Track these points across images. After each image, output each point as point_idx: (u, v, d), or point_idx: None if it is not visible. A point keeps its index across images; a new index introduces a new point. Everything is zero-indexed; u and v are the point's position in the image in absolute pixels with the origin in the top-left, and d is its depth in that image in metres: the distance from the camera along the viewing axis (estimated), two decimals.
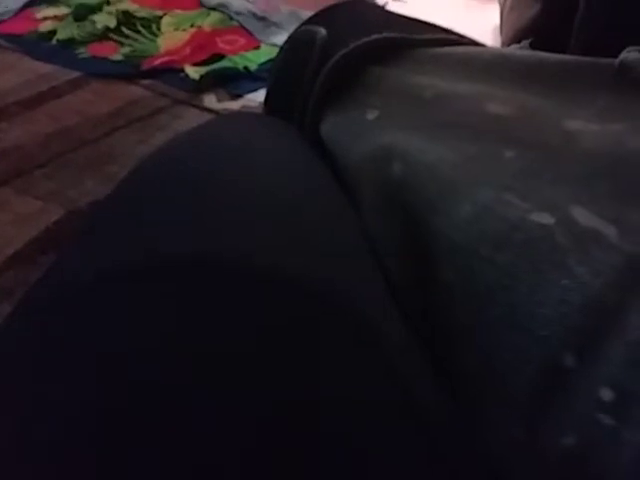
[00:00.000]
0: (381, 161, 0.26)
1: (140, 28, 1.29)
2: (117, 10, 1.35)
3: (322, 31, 0.36)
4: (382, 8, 0.42)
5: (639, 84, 0.24)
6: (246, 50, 1.20)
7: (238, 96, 1.08)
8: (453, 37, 0.36)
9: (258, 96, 1.08)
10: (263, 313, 0.18)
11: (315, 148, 0.31)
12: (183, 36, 1.26)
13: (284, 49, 0.40)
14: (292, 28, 1.35)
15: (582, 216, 0.20)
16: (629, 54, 0.26)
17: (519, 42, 0.88)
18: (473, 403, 0.22)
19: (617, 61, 0.26)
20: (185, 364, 0.16)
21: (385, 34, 0.33)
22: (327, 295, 0.19)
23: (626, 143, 0.22)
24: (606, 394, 0.19)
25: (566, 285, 0.20)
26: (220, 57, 1.17)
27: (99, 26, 1.31)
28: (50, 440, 0.15)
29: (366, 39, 0.33)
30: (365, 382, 0.18)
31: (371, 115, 0.29)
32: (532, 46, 0.39)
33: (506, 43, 0.92)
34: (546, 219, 0.21)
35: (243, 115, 0.34)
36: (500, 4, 1.14)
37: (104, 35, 1.28)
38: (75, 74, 1.17)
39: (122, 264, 0.19)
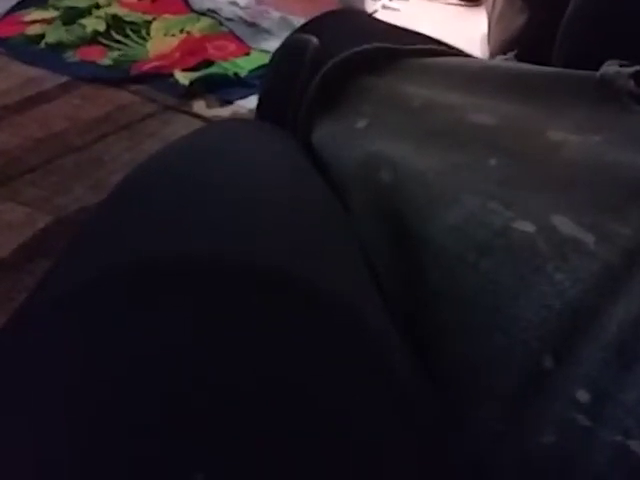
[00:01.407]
0: (370, 168, 0.27)
1: (129, 32, 1.29)
2: (106, 14, 1.35)
3: (314, 40, 0.36)
4: (372, 17, 0.43)
5: (618, 97, 0.25)
6: (236, 56, 1.20)
7: (228, 102, 1.08)
8: (441, 48, 0.36)
9: (248, 102, 1.08)
10: (264, 311, 0.19)
11: (308, 155, 0.31)
12: (172, 41, 1.26)
13: (275, 57, 0.41)
14: (283, 34, 1.35)
15: (562, 224, 0.21)
16: (609, 68, 0.27)
17: (505, 53, 0.90)
18: (460, 399, 0.22)
19: (597, 74, 0.27)
20: (187, 370, 0.16)
21: (375, 44, 0.34)
22: (319, 291, 0.20)
23: (604, 154, 0.23)
24: (582, 396, 0.19)
25: (546, 291, 0.20)
26: (210, 63, 1.17)
27: (88, 30, 1.30)
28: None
29: (356, 49, 0.34)
30: (351, 362, 0.19)
31: (361, 123, 0.30)
32: (518, 57, 0.40)
33: (493, 53, 0.93)
34: (528, 227, 0.22)
35: (236, 122, 0.34)
36: (488, 14, 1.15)
37: (93, 39, 1.28)
38: (63, 78, 1.17)
39: (115, 267, 0.19)
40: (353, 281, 0.23)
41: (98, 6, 1.40)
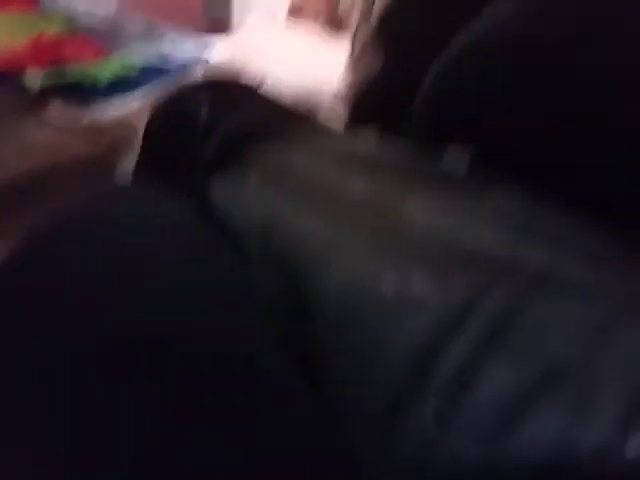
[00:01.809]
0: (263, 230, 0.32)
1: None
2: None
3: (203, 110, 0.41)
4: (249, 89, 0.49)
5: (454, 181, 0.33)
6: (94, 62, 1.16)
7: (82, 108, 1.04)
8: (315, 124, 0.43)
9: (103, 109, 1.05)
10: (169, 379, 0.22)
11: (205, 213, 0.36)
12: (22, 40, 1.18)
13: (161, 114, 0.45)
14: (145, 47, 1.33)
15: (415, 279, 0.28)
16: (449, 155, 0.37)
17: (363, 92, 0.98)
18: (342, 417, 0.28)
19: (442, 160, 0.35)
20: None
21: (255, 118, 0.40)
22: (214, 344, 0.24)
23: (450, 227, 0.30)
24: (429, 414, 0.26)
25: (397, 334, 0.27)
26: (64, 67, 1.12)
27: None
28: None
29: (241, 121, 0.39)
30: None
31: (252, 184, 0.35)
32: (381, 129, 0.48)
33: (352, 89, 1.01)
34: (390, 286, 0.28)
35: (135, 188, 0.38)
36: (350, 47, 1.23)
37: None
38: None
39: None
40: (245, 328, 0.28)
41: None
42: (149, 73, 1.18)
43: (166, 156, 0.43)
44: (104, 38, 1.24)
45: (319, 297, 0.31)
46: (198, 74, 1.25)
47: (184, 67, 1.24)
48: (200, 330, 0.25)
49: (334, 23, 1.51)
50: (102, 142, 0.97)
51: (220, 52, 1.31)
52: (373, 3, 1.07)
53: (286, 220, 0.33)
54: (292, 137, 0.40)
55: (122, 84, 1.13)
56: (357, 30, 1.17)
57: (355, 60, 1.08)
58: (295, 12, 1.52)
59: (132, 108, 1.06)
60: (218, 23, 1.38)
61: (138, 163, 0.45)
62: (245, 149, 0.39)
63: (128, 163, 0.92)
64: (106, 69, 1.15)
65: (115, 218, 0.31)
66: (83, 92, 1.07)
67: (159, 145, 0.44)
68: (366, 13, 1.12)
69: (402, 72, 0.86)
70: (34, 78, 1.08)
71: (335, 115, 1.27)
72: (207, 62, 1.26)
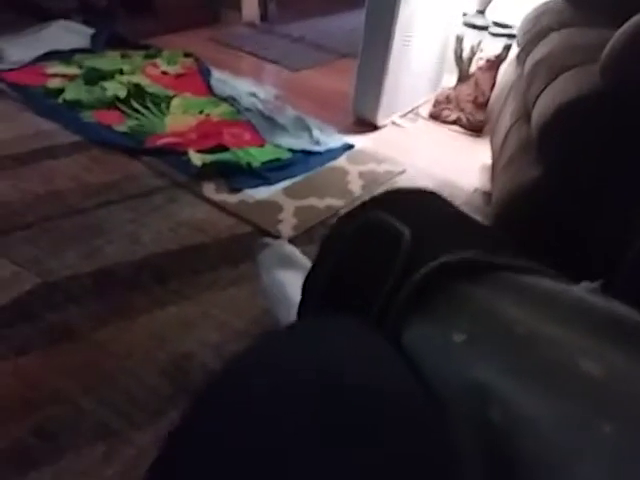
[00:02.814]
0: (477, 400, 0.26)
1: (149, 104, 1.31)
2: (129, 81, 1.38)
3: (406, 232, 0.36)
4: (453, 206, 0.43)
5: None
6: (250, 145, 1.23)
7: (237, 190, 1.09)
8: (531, 264, 0.36)
9: (257, 193, 1.09)
10: None
11: (399, 354, 0.31)
12: (191, 120, 1.28)
13: (353, 236, 0.39)
14: (296, 133, 1.39)
15: None
16: None
17: (516, 197, 0.93)
18: None
19: None
20: None
21: (473, 254, 0.34)
22: None
23: None
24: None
25: None
26: (224, 148, 1.19)
27: (109, 94, 1.32)
28: None
29: (454, 257, 0.33)
30: None
31: (458, 338, 0.30)
32: (602, 287, 0.39)
33: (502, 194, 0.97)
34: None
35: (323, 321, 0.33)
36: (493, 152, 1.21)
37: (112, 103, 1.29)
38: (75, 137, 1.16)
39: None
40: None
41: (122, 72, 1.43)
42: (300, 157, 1.22)
43: (357, 281, 0.38)
44: (261, 125, 1.31)
45: None
46: (344, 159, 1.27)
47: (332, 151, 1.28)
48: None
49: (473, 128, 1.52)
50: (248, 223, 0.99)
51: (365, 143, 1.34)
52: (526, 115, 1.05)
53: (507, 397, 0.27)
54: (506, 283, 0.34)
55: (275, 166, 1.17)
56: (506, 137, 1.15)
57: (506, 165, 1.05)
58: (435, 116, 1.55)
59: (278, 192, 1.09)
60: (364, 122, 1.42)
61: (325, 276, 0.41)
62: (451, 289, 0.34)
63: (265, 245, 0.93)
64: (262, 154, 1.20)
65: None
66: (239, 173, 1.12)
67: (350, 266, 0.39)
68: (516, 122, 1.10)
69: (564, 187, 0.81)
70: (197, 156, 1.15)
71: (472, 210, 1.24)
72: (352, 148, 1.29)
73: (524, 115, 1.07)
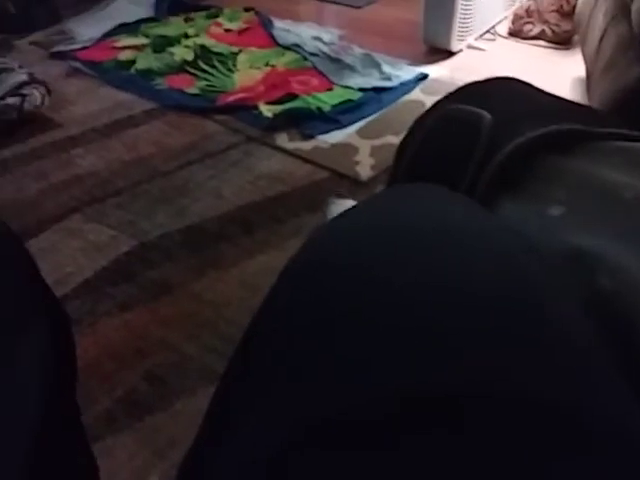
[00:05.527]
0: (581, 266, 0.24)
1: (216, 63, 1.32)
2: (195, 44, 1.38)
3: (486, 115, 0.33)
4: (538, 89, 0.39)
5: None
6: (319, 91, 1.20)
7: (310, 136, 1.07)
8: (632, 133, 0.32)
9: (330, 137, 1.07)
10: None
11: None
12: (258, 74, 1.27)
13: (432, 126, 0.37)
14: (365, 71, 1.34)
15: None
16: None
17: (618, 103, 0.85)
18: None
19: None
20: None
21: (566, 125, 0.31)
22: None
23: None
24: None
25: None
26: (293, 97, 1.17)
27: (177, 58, 1.33)
28: None
29: (544, 130, 0.31)
30: None
31: (556, 211, 0.27)
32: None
33: (602, 102, 0.88)
34: None
35: (417, 189, 0.29)
36: (587, 60, 1.10)
37: (181, 68, 1.31)
38: (151, 104, 1.19)
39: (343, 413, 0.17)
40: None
41: (187, 36, 1.44)
42: (371, 95, 1.19)
43: (437, 168, 0.36)
44: (328, 69, 1.28)
45: None
46: (419, 91, 1.22)
47: (405, 85, 1.22)
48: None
49: (560, 40, 1.38)
50: (325, 168, 0.98)
51: (440, 71, 1.27)
52: (623, 9, 0.94)
53: (616, 262, 0.24)
54: (605, 151, 0.30)
55: (346, 108, 1.14)
56: (601, 40, 1.04)
57: (604, 69, 0.96)
58: (516, 33, 1.43)
59: (352, 134, 1.07)
60: (437, 50, 1.35)
61: (395, 176, 0.39)
62: (541, 165, 0.31)
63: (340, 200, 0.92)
64: (331, 97, 1.18)
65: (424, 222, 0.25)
66: (310, 120, 1.11)
67: (429, 154, 0.37)
68: (612, 20, 0.99)
69: None
70: (267, 108, 1.14)
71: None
72: (426, 78, 1.23)
73: (622, 10, 0.96)
